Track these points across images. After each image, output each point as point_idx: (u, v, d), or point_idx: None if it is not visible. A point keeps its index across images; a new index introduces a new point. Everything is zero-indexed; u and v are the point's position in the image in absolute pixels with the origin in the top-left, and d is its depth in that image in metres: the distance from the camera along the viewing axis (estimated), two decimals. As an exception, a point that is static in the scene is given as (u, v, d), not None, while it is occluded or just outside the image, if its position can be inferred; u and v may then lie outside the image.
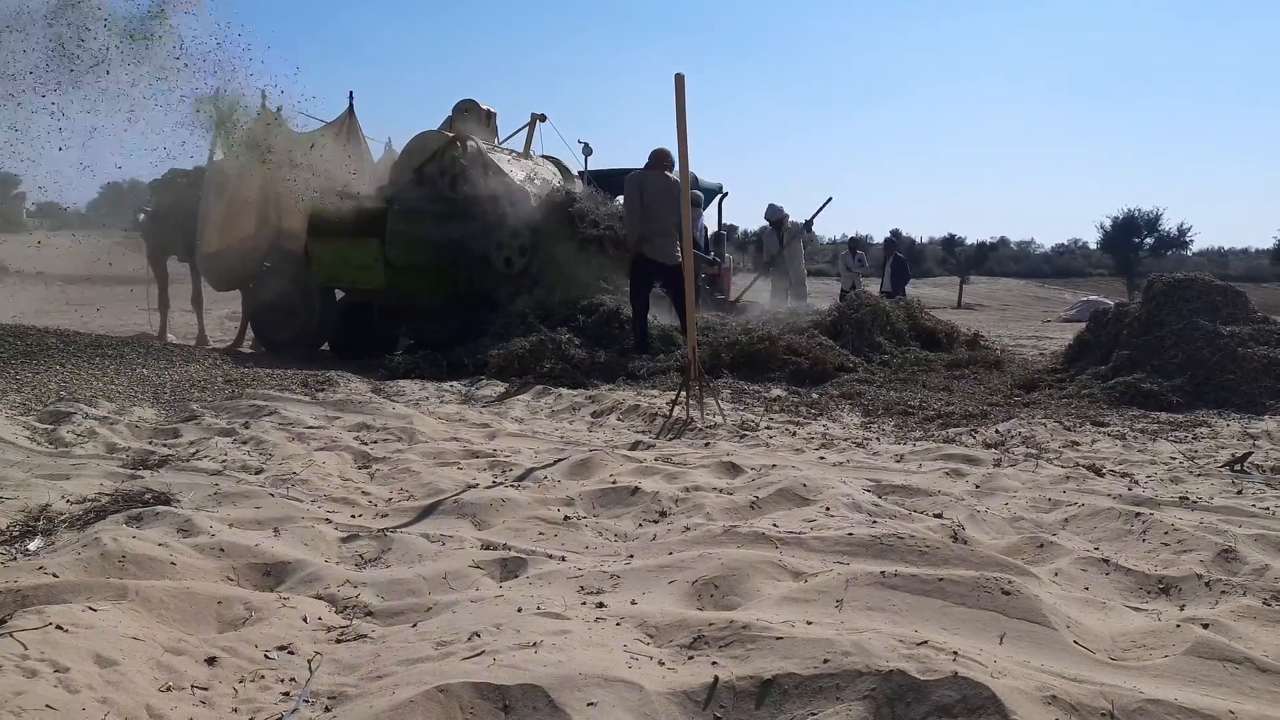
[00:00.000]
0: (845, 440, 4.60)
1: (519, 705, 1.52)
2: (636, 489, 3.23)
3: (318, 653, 1.84)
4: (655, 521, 2.96)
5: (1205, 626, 1.93)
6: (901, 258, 13.83)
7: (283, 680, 1.71)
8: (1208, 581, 2.29)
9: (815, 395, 6.15)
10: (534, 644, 1.74)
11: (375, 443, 4.33)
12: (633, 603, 2.08)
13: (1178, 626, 1.93)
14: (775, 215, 11.59)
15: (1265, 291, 31.46)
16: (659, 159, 7.63)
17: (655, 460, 3.88)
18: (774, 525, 2.70)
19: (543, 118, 10.35)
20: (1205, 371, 6.12)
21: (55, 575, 2.06)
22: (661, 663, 1.71)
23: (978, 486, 3.47)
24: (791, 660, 1.65)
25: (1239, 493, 3.41)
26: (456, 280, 9.04)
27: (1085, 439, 4.70)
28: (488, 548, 2.61)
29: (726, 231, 12.70)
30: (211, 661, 1.75)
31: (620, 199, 10.22)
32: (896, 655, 1.63)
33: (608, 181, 10.25)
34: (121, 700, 1.52)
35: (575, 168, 10.47)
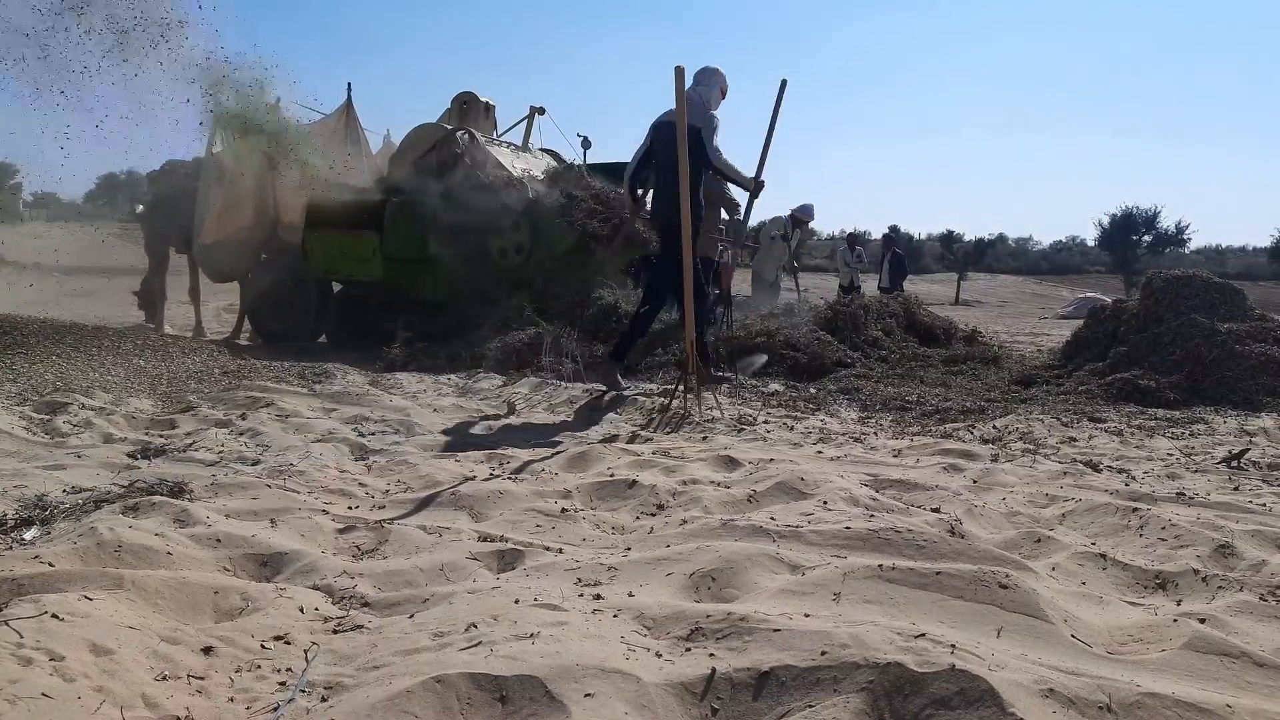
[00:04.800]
0: (843, 435, 4.60)
1: (516, 696, 1.52)
2: (634, 482, 3.23)
3: (314, 643, 1.83)
4: (653, 514, 2.96)
5: (1202, 621, 1.93)
6: (900, 253, 13.84)
7: (279, 670, 1.71)
8: (1204, 577, 2.29)
9: (813, 390, 6.15)
10: (531, 635, 1.74)
11: (372, 435, 4.32)
12: (630, 595, 2.08)
13: (1175, 621, 1.93)
14: (808, 215, 11.61)
15: (1263, 290, 31.48)
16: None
17: (653, 454, 3.88)
18: (771, 518, 2.70)
19: (541, 111, 10.33)
20: (1202, 368, 6.13)
21: (51, 564, 2.05)
22: (659, 654, 1.71)
23: (975, 481, 3.47)
24: (789, 652, 1.65)
25: (1236, 489, 3.41)
26: (454, 273, 9.03)
27: (1083, 435, 4.70)
28: (485, 539, 2.61)
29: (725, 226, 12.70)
30: (208, 651, 1.75)
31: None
32: (894, 648, 1.63)
33: (607, 175, 10.22)
34: (117, 689, 1.52)
35: (574, 161, 10.45)
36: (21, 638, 1.61)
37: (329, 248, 8.90)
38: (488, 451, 3.91)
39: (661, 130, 5.63)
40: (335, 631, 1.92)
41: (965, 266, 44.13)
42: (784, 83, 6.38)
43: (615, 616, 1.91)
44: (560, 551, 2.51)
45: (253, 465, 3.52)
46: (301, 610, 2.00)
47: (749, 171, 5.99)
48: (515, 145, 9.99)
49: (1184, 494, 3.22)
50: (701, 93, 5.63)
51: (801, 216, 11.51)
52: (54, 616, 1.70)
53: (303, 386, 5.70)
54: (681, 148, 5.12)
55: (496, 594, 2.07)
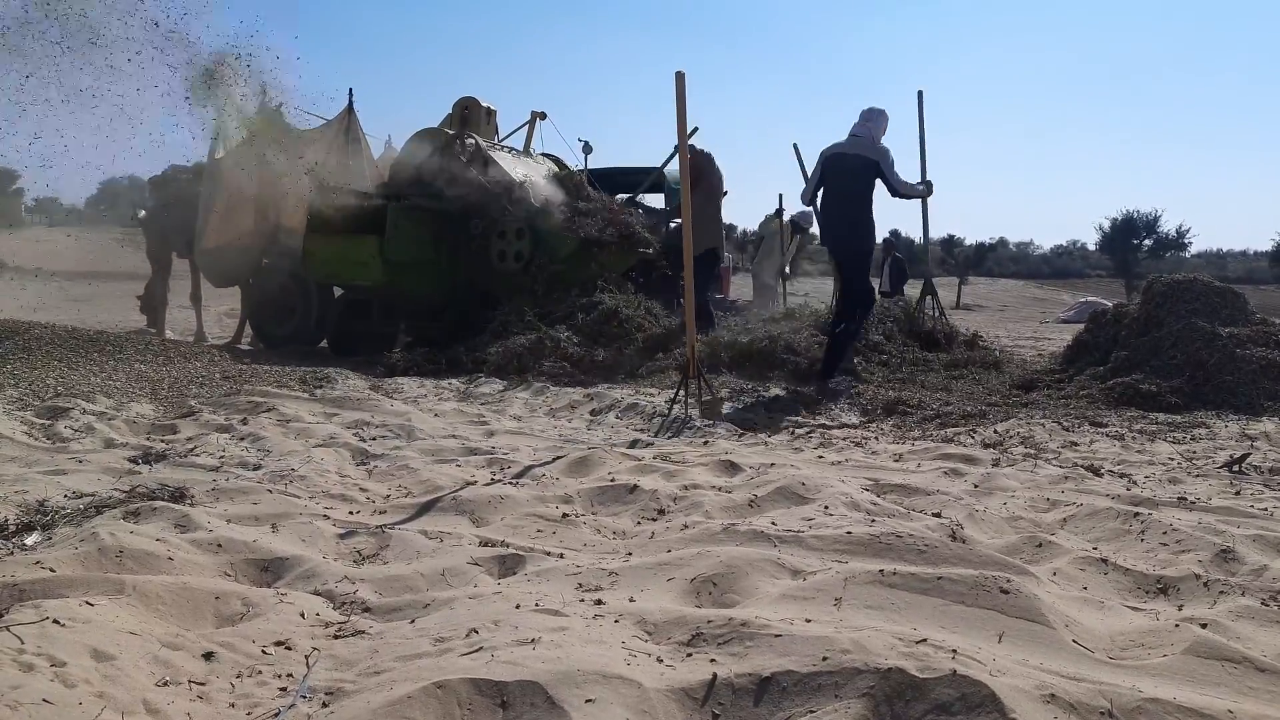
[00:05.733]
0: (844, 439, 4.60)
1: (517, 702, 1.52)
2: (635, 487, 3.23)
3: (315, 648, 1.83)
4: (654, 519, 2.96)
5: (1204, 626, 1.93)
6: (900, 258, 13.84)
7: (280, 676, 1.71)
8: (1206, 581, 2.29)
9: (814, 394, 6.15)
10: (532, 641, 1.74)
11: (373, 439, 4.33)
12: (631, 600, 2.08)
13: (1176, 626, 1.93)
14: (808, 222, 11.71)
15: (1263, 294, 31.41)
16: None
17: (654, 458, 3.88)
18: (772, 523, 2.70)
19: (543, 115, 10.34)
20: (1204, 373, 6.11)
21: (52, 570, 2.05)
22: (660, 660, 1.70)
23: (976, 486, 3.47)
24: (790, 658, 1.64)
25: (1237, 493, 3.41)
26: (455, 278, 9.03)
27: (1084, 439, 4.70)
28: (486, 545, 2.61)
29: (725, 230, 12.72)
30: (209, 657, 1.75)
31: (621, 196, 10.22)
32: (895, 653, 1.63)
33: (607, 180, 10.24)
34: (118, 694, 1.52)
35: (575, 166, 10.46)
36: (23, 643, 1.61)
37: (330, 252, 8.91)
38: (488, 456, 3.91)
39: (832, 161, 6.29)
40: (336, 637, 1.92)
41: (966, 271, 44.12)
42: (920, 94, 7.40)
43: (616, 622, 1.91)
44: (561, 556, 2.51)
45: (254, 470, 3.52)
46: (302, 615, 2.00)
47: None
48: (516, 150, 10.01)
49: (1185, 499, 3.21)
50: (871, 129, 6.29)
51: (802, 223, 11.55)
52: (55, 622, 1.71)
53: (304, 391, 5.71)
54: (683, 160, 5.18)
55: (497, 599, 2.07)
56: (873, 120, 6.35)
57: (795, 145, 8.05)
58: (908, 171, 6.63)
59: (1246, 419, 5.43)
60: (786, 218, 11.40)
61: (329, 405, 5.21)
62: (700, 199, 7.91)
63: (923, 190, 6.89)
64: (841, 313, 6.56)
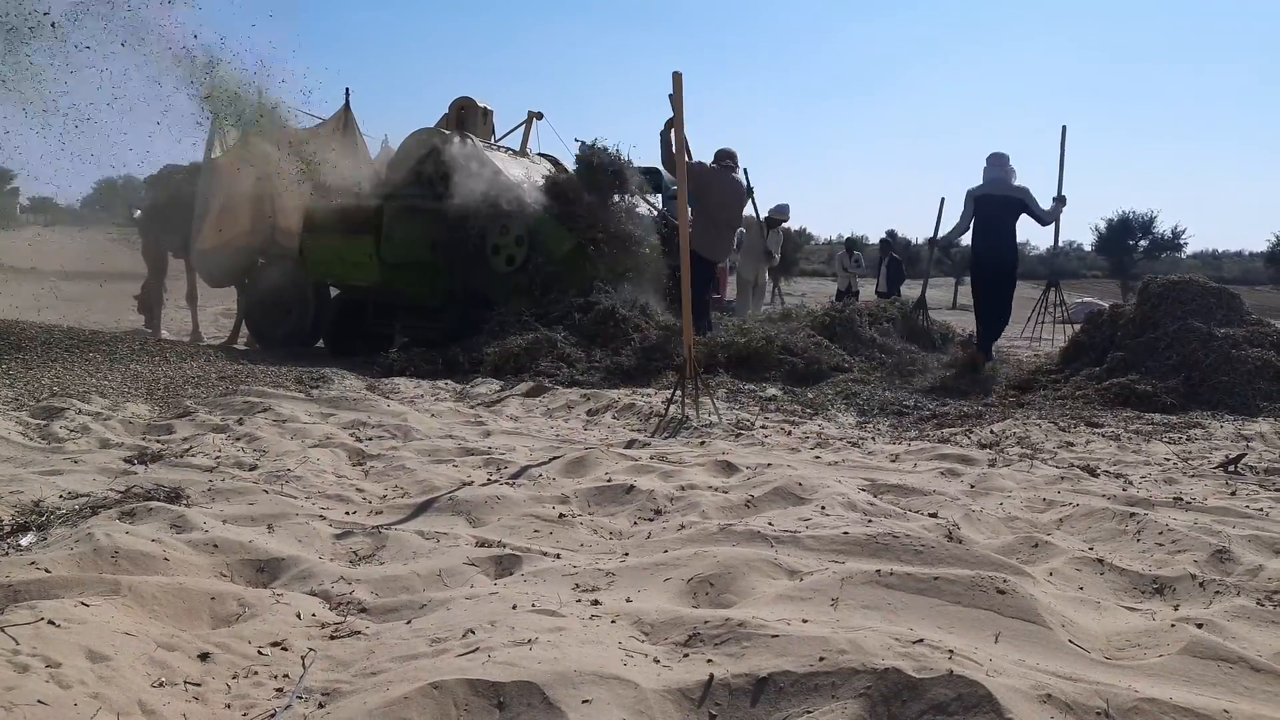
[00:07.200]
0: (840, 440, 4.60)
1: (514, 702, 1.51)
2: (632, 487, 3.23)
3: (311, 649, 1.83)
4: (650, 519, 2.95)
5: (1199, 626, 1.94)
6: (897, 258, 13.86)
7: (276, 676, 1.71)
8: (1202, 582, 2.29)
9: (810, 395, 6.16)
10: (529, 641, 1.74)
11: (370, 440, 4.32)
12: (628, 600, 2.07)
13: (1172, 626, 1.93)
14: (784, 215, 11.66)
15: (1259, 294, 31.44)
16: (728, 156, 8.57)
17: (650, 459, 3.88)
18: (769, 524, 2.70)
19: (539, 116, 10.33)
20: (1199, 373, 6.13)
21: (48, 570, 2.05)
22: (657, 660, 1.70)
23: (973, 486, 3.47)
24: (787, 658, 1.65)
25: (1233, 494, 3.42)
26: (452, 278, 9.02)
27: (1080, 439, 4.71)
28: (482, 545, 2.61)
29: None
30: (205, 657, 1.74)
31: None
32: (892, 653, 1.63)
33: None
34: (114, 696, 1.51)
35: (572, 166, 10.44)
36: (18, 644, 1.60)
37: (326, 252, 8.90)
38: (485, 456, 3.91)
39: (983, 201, 7.70)
40: (332, 638, 1.92)
41: (963, 271, 44.16)
42: (1064, 129, 8.33)
43: (613, 622, 1.91)
44: (558, 557, 2.51)
45: (250, 470, 3.51)
46: (299, 616, 2.00)
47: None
48: (513, 150, 10.00)
49: (1181, 499, 3.22)
50: (1008, 170, 7.73)
51: (777, 217, 11.52)
52: (50, 623, 1.70)
53: (300, 391, 5.70)
54: (679, 160, 5.17)
55: (494, 600, 2.07)
56: (1004, 166, 7.71)
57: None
58: (1044, 194, 7.60)
59: (1242, 419, 5.44)
60: (763, 214, 11.35)
61: (325, 405, 5.20)
62: (697, 208, 7.95)
63: (1058, 209, 7.96)
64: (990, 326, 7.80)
